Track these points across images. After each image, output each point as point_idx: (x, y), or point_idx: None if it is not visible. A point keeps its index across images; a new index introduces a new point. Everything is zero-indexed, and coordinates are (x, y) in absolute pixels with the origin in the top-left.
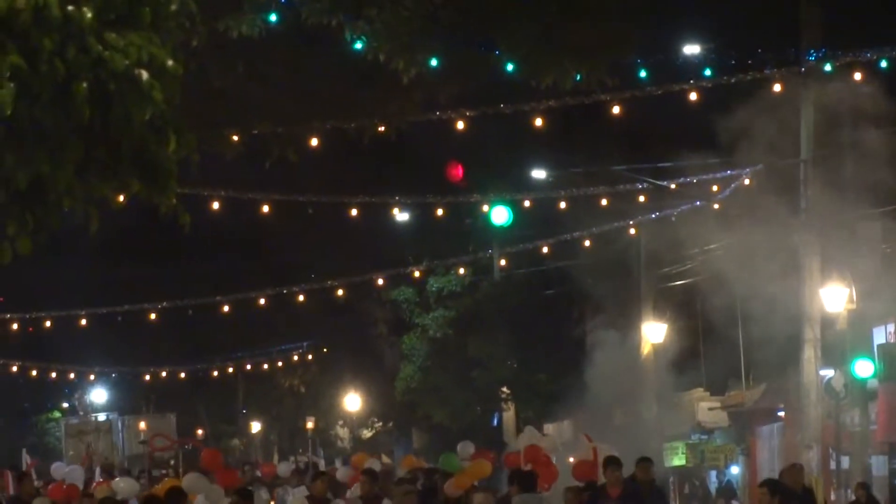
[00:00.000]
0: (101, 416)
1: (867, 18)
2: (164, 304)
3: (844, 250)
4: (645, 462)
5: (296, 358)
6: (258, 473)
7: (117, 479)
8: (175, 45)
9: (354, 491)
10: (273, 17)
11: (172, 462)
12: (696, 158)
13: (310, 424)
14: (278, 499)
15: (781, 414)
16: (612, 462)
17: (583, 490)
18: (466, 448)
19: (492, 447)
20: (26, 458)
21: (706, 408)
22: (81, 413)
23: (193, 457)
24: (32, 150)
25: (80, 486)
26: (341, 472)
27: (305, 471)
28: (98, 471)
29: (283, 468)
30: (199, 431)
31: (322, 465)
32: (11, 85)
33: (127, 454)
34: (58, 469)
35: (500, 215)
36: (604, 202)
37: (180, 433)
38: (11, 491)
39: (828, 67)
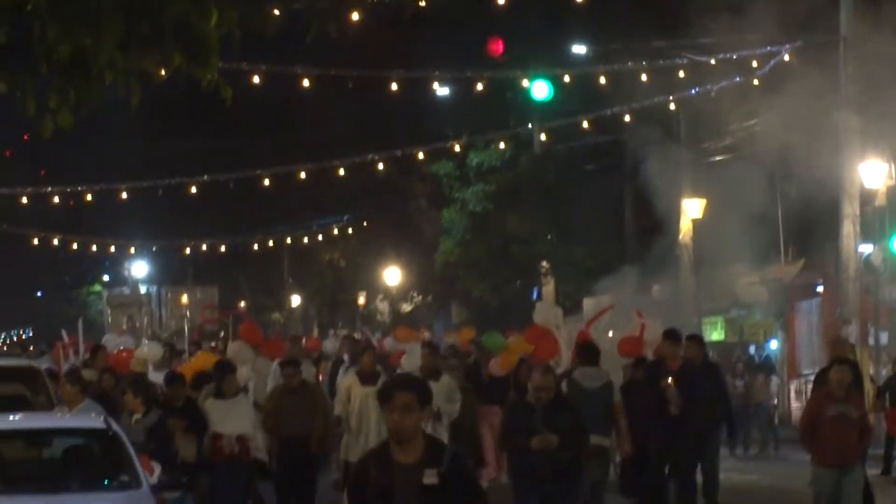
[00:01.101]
0: (143, 289)
1: None
2: (205, 177)
3: (884, 126)
4: (693, 339)
5: (336, 232)
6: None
7: (145, 344)
8: None
9: (407, 364)
10: None
11: (222, 333)
12: (735, 34)
13: (361, 300)
14: (327, 373)
15: (820, 289)
16: (671, 335)
17: (634, 366)
18: None
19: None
20: (78, 331)
21: (745, 283)
22: (128, 285)
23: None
24: (74, 24)
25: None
26: (389, 345)
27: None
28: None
29: (329, 345)
30: (242, 304)
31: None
32: None
33: (169, 327)
34: (109, 341)
35: (540, 90)
36: (644, 77)
37: (222, 306)
38: (62, 363)
39: None
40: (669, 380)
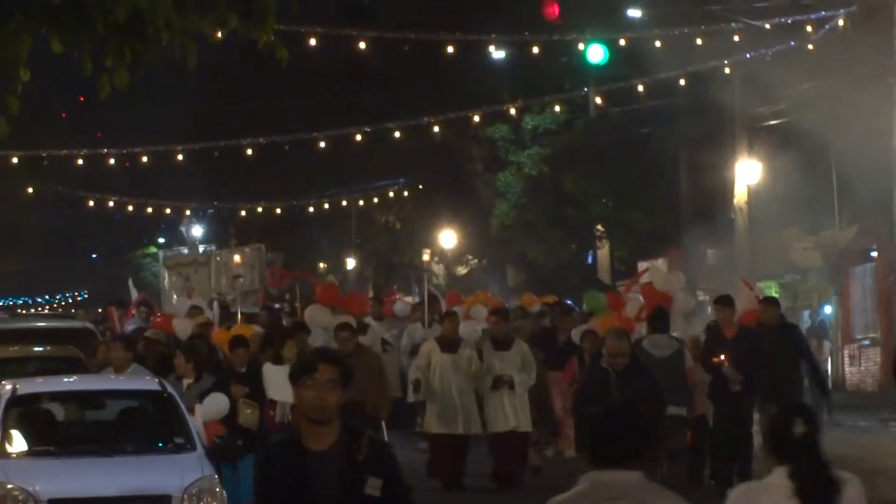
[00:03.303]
0: (200, 248)
1: None
2: (261, 139)
3: None
4: (768, 303)
5: (391, 194)
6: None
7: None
8: None
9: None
10: None
11: (287, 296)
12: None
13: (426, 257)
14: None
15: (875, 254)
16: (724, 301)
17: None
18: None
19: (586, 285)
20: (134, 291)
21: (799, 247)
22: (185, 246)
23: (308, 291)
24: None
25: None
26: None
27: (420, 305)
28: (216, 306)
29: (400, 307)
30: (322, 265)
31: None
32: None
33: (218, 290)
34: (180, 304)
35: (595, 54)
36: (699, 41)
37: (287, 268)
38: (119, 328)
39: None
40: (722, 357)
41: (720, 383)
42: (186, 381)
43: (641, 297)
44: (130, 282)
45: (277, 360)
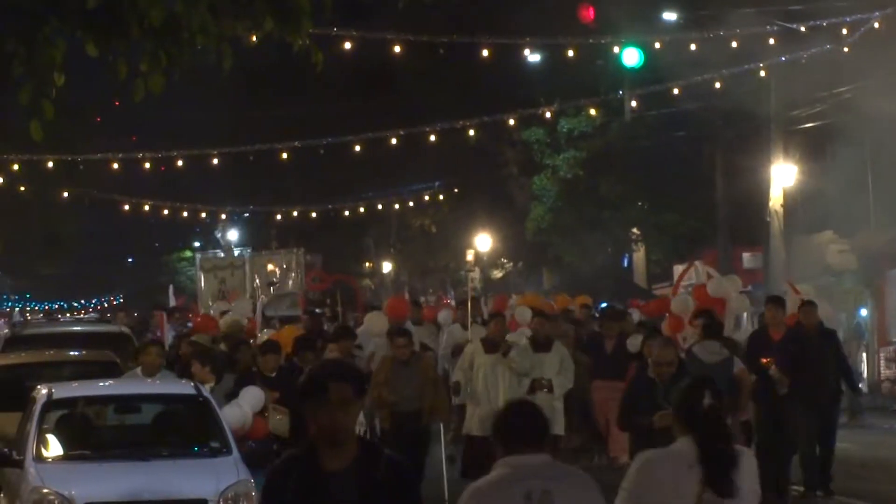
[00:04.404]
0: (235, 252)
1: None
2: (296, 143)
3: None
4: (809, 306)
5: (427, 198)
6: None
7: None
8: None
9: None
10: None
11: (328, 301)
12: (826, 1)
13: (469, 258)
14: (444, 335)
15: None
16: (775, 301)
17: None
18: None
19: (623, 289)
20: (172, 297)
21: (835, 250)
22: (220, 249)
23: (350, 295)
24: None
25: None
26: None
27: (459, 306)
28: (259, 308)
29: (444, 316)
30: (368, 264)
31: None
32: None
33: (252, 293)
34: (218, 308)
35: (631, 57)
36: (734, 44)
37: (325, 271)
38: (167, 331)
39: None
40: (767, 359)
41: (765, 385)
42: (208, 386)
43: (691, 300)
44: (171, 288)
45: None
